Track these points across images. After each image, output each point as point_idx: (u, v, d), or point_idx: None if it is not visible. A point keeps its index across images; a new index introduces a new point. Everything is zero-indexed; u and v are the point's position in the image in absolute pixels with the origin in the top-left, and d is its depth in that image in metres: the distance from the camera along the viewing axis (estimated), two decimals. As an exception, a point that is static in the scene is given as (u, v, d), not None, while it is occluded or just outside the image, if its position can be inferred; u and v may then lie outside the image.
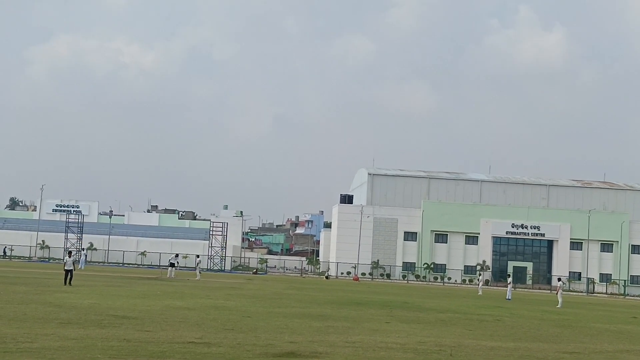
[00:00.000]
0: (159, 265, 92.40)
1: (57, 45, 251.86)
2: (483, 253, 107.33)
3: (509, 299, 57.40)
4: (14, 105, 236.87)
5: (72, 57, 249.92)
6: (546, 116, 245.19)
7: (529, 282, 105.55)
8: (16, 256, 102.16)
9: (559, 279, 58.62)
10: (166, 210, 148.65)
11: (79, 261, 75.26)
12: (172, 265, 65.68)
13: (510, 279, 65.45)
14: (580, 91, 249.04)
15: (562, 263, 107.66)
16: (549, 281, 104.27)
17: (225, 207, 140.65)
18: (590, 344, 25.46)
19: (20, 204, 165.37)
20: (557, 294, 54.03)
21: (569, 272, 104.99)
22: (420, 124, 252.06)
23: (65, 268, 44.24)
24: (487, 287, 75.05)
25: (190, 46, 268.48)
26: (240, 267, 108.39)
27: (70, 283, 42.89)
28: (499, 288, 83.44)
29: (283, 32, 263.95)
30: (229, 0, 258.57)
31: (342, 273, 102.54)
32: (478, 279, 72.94)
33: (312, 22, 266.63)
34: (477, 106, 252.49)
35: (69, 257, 45.98)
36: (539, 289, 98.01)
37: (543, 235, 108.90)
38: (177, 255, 73.43)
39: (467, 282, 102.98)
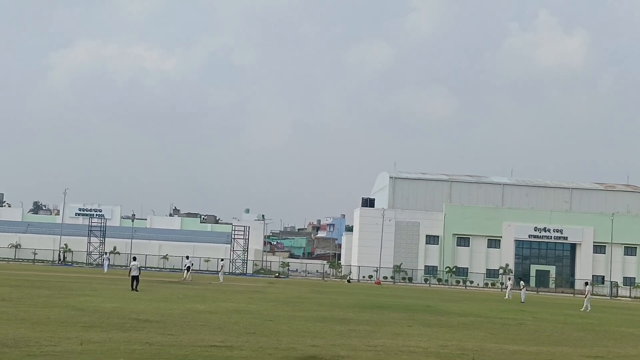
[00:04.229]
0: (181, 269, 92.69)
1: (77, 51, 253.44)
2: (505, 257, 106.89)
3: (523, 302, 58.17)
4: (35, 111, 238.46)
5: (92, 63, 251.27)
6: (567, 120, 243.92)
7: (552, 285, 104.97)
8: (39, 260, 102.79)
9: (587, 283, 58.18)
10: (188, 214, 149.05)
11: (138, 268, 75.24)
12: (187, 268, 66.41)
13: (522, 283, 66.01)
14: (601, 94, 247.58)
15: (585, 266, 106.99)
16: (572, 285, 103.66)
17: (247, 211, 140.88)
18: (614, 348, 25.29)
19: (44, 208, 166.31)
20: (585, 298, 53.26)
21: (592, 275, 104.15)
22: (440, 129, 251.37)
23: (132, 274, 44.21)
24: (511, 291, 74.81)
25: (209, 53, 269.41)
26: (262, 271, 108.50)
27: (136, 289, 42.93)
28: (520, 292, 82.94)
29: (302, 38, 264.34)
30: (248, 7, 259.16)
31: (363, 276, 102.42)
32: (508, 283, 72.62)
33: (330, 28, 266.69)
34: (497, 110, 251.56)
35: (134, 261, 46.04)
36: (562, 292, 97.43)
37: (566, 238, 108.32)
38: (187, 257, 73.40)
39: (489, 285, 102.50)
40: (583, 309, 50.71)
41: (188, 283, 59.39)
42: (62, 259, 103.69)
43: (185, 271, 65.82)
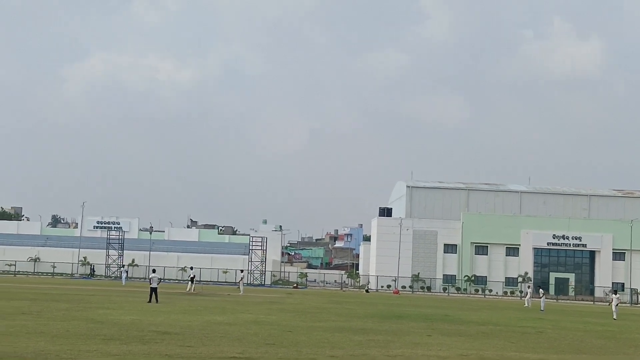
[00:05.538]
0: (200, 281, 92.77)
1: (92, 63, 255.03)
2: (524, 265, 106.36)
3: (542, 310, 57.89)
4: (52, 123, 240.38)
5: (107, 75, 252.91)
6: (584, 126, 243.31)
7: (572, 293, 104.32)
8: (58, 273, 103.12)
9: (616, 292, 57.18)
10: (206, 226, 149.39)
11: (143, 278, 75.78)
12: (191, 279, 66.66)
13: (542, 291, 65.63)
14: (617, 100, 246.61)
15: (604, 274, 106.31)
16: (591, 292, 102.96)
17: (265, 222, 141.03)
18: (635, 356, 25.12)
19: (62, 222, 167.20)
20: (616, 306, 52.13)
21: (612, 282, 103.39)
22: (456, 136, 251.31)
23: (151, 286, 44.32)
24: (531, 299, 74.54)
25: (223, 62, 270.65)
26: (280, 282, 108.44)
27: (156, 301, 42.96)
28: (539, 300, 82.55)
29: (316, 46, 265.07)
30: (261, 16, 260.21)
31: (382, 286, 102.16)
32: (527, 291, 72.32)
33: (345, 36, 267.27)
34: (512, 117, 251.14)
35: (154, 273, 46.08)
36: (582, 300, 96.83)
37: (585, 246, 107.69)
38: (191, 268, 74.74)
39: (508, 294, 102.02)
40: (615, 317, 50.10)
41: (203, 294, 59.39)
42: (92, 273, 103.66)
43: (189, 282, 65.97)
